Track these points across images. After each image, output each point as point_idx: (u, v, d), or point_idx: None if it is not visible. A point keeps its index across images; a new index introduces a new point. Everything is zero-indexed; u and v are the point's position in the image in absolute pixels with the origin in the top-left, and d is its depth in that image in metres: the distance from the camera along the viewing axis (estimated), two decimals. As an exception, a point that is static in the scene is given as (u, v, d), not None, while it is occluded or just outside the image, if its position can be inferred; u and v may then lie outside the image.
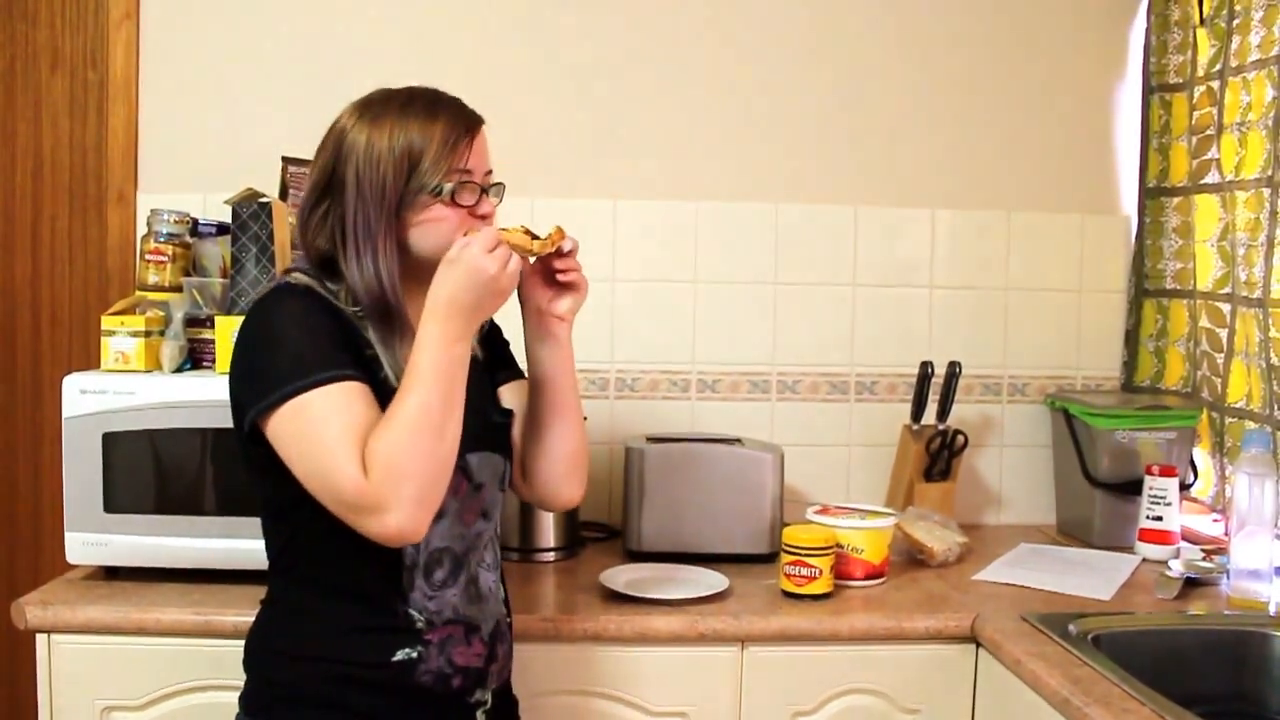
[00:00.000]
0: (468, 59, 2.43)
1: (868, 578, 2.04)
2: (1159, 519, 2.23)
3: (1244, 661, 1.82)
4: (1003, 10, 2.56)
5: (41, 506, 2.54)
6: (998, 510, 2.61)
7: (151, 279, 2.02)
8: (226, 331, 1.90)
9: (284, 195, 2.18)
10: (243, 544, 1.85)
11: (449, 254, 1.34)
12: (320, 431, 1.30)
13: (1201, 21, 2.39)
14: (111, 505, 1.88)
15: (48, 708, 1.79)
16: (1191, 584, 2.04)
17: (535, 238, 1.42)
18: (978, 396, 2.58)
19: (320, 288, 1.42)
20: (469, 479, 1.45)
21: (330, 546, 1.37)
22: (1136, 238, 2.60)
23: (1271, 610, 1.90)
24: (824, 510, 2.12)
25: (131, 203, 2.43)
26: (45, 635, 1.79)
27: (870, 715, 1.89)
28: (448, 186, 1.40)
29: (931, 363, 2.44)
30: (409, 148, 1.38)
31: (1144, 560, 2.21)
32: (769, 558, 2.13)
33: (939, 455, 2.43)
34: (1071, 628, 1.76)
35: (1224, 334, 2.31)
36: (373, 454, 1.29)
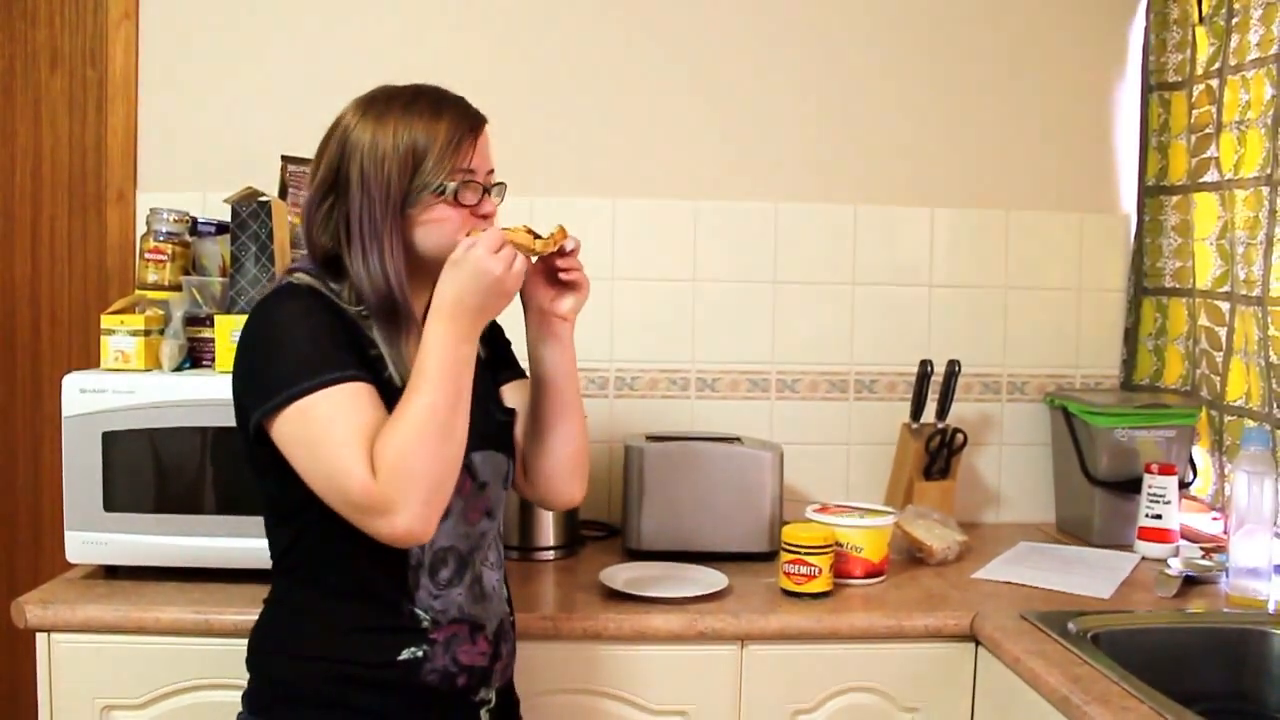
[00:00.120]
0: (467, 59, 2.43)
1: (867, 576, 2.04)
2: (1158, 517, 2.23)
3: (1243, 659, 1.82)
4: (1002, 10, 2.56)
5: (41, 505, 2.54)
6: (997, 509, 2.61)
7: (151, 278, 2.02)
8: (226, 330, 1.90)
9: (283, 194, 2.18)
10: (243, 543, 1.85)
11: (454, 255, 1.34)
12: (327, 433, 1.30)
13: (1200, 20, 2.39)
14: (111, 504, 1.88)
15: (48, 707, 1.79)
16: (1191, 582, 2.04)
17: (538, 237, 1.42)
18: (977, 395, 2.58)
19: (323, 288, 1.42)
20: (473, 477, 1.45)
21: (336, 547, 1.37)
22: (1136, 236, 2.60)
23: (1270, 608, 1.90)
24: (823, 509, 2.12)
25: (131, 201, 2.44)
26: (45, 634, 1.79)
27: (870, 713, 1.89)
28: (451, 186, 1.40)
29: (931, 361, 2.44)
30: (413, 146, 1.38)
31: (1143, 558, 2.21)
32: (768, 556, 2.13)
33: (938, 454, 2.43)
34: (1071, 626, 1.76)
35: (1223, 332, 2.31)
36: (380, 455, 1.29)
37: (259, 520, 1.50)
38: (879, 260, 2.55)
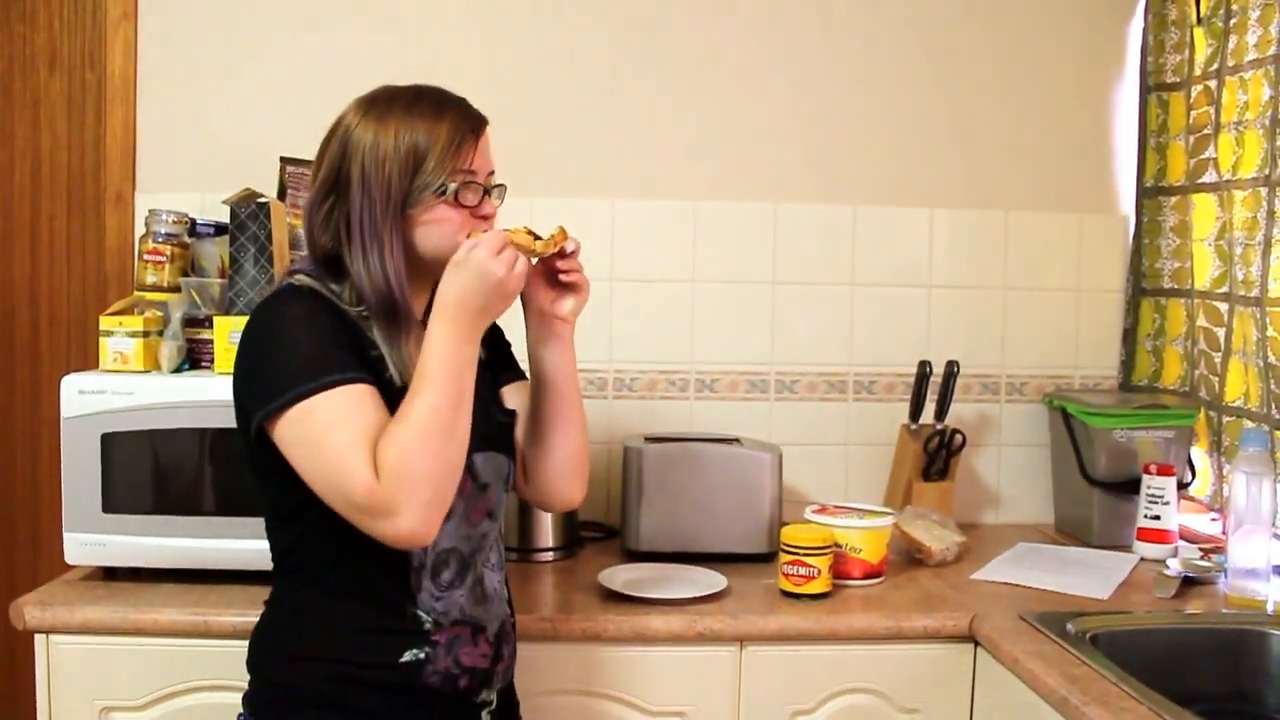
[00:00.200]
0: (466, 60, 2.43)
1: (866, 577, 2.04)
2: (1157, 518, 2.24)
3: (1242, 660, 1.82)
4: (1000, 10, 2.56)
5: (40, 507, 2.54)
6: (996, 509, 2.61)
7: (150, 279, 2.02)
8: (225, 332, 1.90)
9: (282, 195, 2.19)
10: (241, 544, 1.85)
11: (456, 256, 1.34)
12: (329, 435, 1.30)
13: (1198, 21, 2.39)
14: (110, 506, 1.88)
15: (46, 708, 1.79)
16: (1189, 583, 2.04)
17: (538, 238, 1.42)
18: (976, 396, 2.58)
19: (323, 289, 1.42)
20: (474, 479, 1.45)
21: (337, 548, 1.37)
22: (1134, 237, 2.60)
23: (1269, 609, 1.90)
24: (822, 510, 2.12)
25: (130, 203, 2.43)
26: (44, 636, 1.79)
27: (869, 714, 1.89)
28: (452, 186, 1.40)
29: (930, 362, 2.44)
30: (414, 147, 1.38)
31: (1142, 559, 2.21)
32: (767, 557, 2.13)
33: (937, 454, 2.43)
34: (1069, 627, 1.76)
35: (1221, 333, 2.31)
36: (383, 457, 1.28)
37: (258, 521, 1.50)
38: (878, 261, 2.56)
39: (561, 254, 1.46)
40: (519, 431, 1.58)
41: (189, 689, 1.80)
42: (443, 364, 1.32)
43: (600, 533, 2.39)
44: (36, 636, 1.79)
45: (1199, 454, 2.42)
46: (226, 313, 1.95)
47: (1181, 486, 2.32)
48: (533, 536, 2.20)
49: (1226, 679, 1.81)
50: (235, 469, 1.78)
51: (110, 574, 1.94)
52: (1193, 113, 2.40)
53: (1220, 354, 2.32)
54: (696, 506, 2.16)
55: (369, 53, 2.41)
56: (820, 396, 2.56)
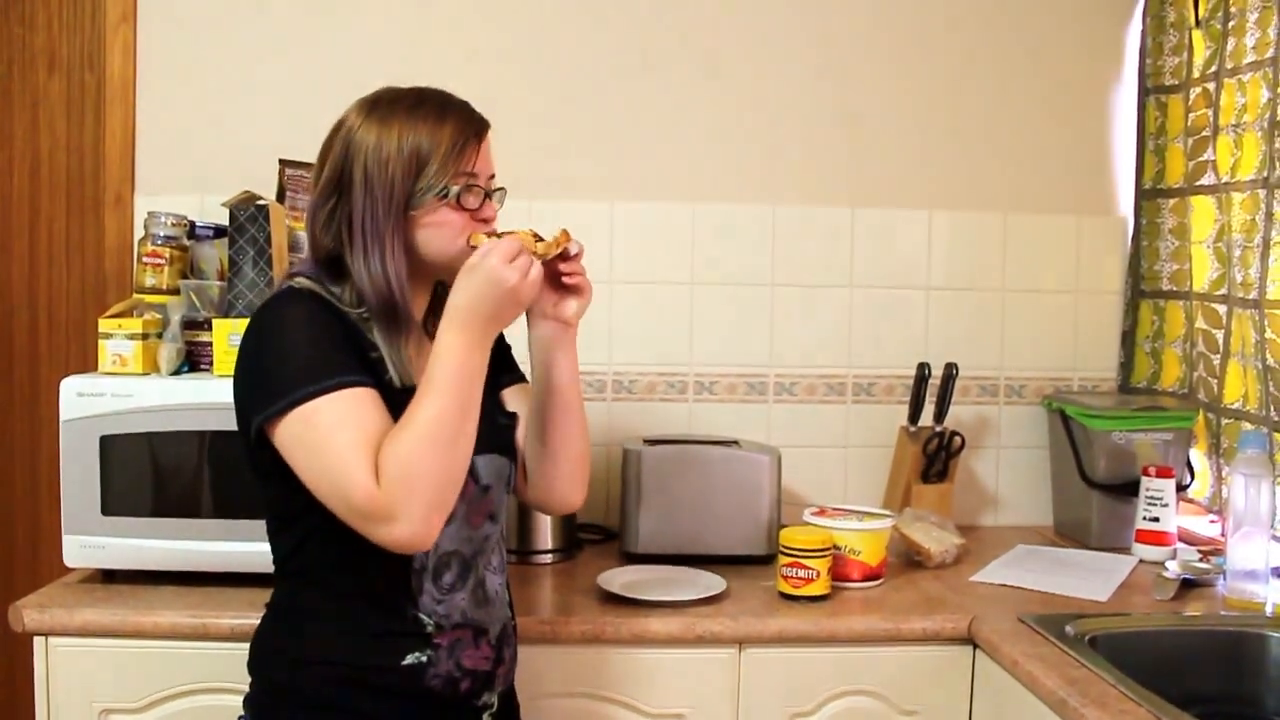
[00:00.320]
0: (466, 62, 2.43)
1: (865, 579, 2.04)
2: (1156, 520, 2.24)
3: (1240, 662, 1.82)
4: (999, 12, 2.56)
5: (39, 509, 2.54)
6: (995, 511, 2.61)
7: (149, 281, 2.02)
8: (224, 334, 1.90)
9: (281, 198, 2.18)
10: (240, 547, 1.85)
11: (469, 262, 1.34)
12: (330, 439, 1.30)
13: (1197, 23, 2.39)
14: (109, 508, 1.88)
15: (45, 711, 1.79)
16: (1188, 585, 2.04)
17: (541, 240, 1.41)
18: (975, 398, 2.58)
19: (323, 291, 1.42)
20: (476, 481, 1.45)
21: (339, 552, 1.36)
22: (1133, 239, 2.60)
23: (1268, 611, 1.90)
24: (821, 512, 2.12)
25: (129, 205, 2.43)
26: (43, 638, 1.79)
27: (868, 717, 1.89)
28: (454, 189, 1.40)
29: (929, 364, 2.44)
30: (417, 149, 1.38)
31: (1141, 561, 2.21)
32: (766, 559, 2.13)
33: (936, 457, 2.43)
34: (1068, 629, 1.76)
35: (1220, 335, 2.31)
36: (385, 462, 1.28)
37: (257, 524, 1.50)
38: (877, 263, 2.56)
39: (564, 256, 1.46)
40: (520, 434, 1.58)
41: (188, 691, 1.80)
42: (451, 371, 1.32)
43: (599, 535, 2.39)
44: (36, 639, 1.79)
45: (1198, 456, 2.42)
46: (225, 315, 1.95)
47: (1180, 488, 2.32)
48: (532, 539, 2.20)
49: (1225, 681, 1.81)
50: (234, 472, 1.78)
51: (109, 576, 1.94)
52: (1191, 115, 2.40)
53: (1219, 356, 2.32)
54: (695, 509, 2.16)
55: (369, 55, 2.41)
56: (819, 399, 2.56)
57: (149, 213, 2.07)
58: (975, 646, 1.87)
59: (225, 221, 1.98)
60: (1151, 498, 2.24)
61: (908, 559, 2.21)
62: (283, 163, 2.20)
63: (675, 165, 2.52)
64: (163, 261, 2.02)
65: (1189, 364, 2.44)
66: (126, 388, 1.87)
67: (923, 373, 2.44)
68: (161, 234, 2.04)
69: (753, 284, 2.53)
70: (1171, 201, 2.50)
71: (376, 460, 1.29)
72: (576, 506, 1.64)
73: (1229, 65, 2.27)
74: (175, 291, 2.02)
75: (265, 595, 1.51)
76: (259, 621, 1.50)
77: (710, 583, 1.98)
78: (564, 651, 1.84)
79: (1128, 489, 2.31)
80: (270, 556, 1.48)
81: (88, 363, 2.37)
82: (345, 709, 1.40)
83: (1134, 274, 2.60)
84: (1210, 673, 1.81)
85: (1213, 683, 1.80)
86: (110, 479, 1.87)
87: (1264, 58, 2.15)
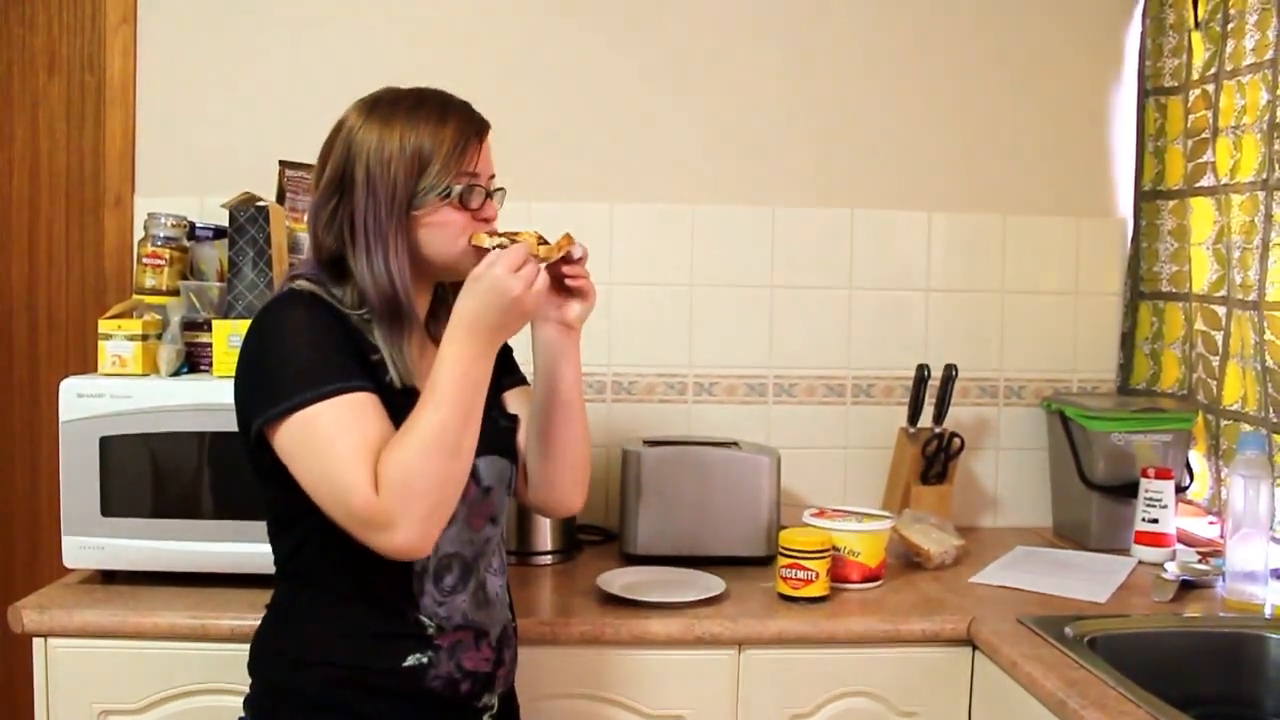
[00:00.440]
0: (466, 64, 2.43)
1: (864, 580, 2.04)
2: (1155, 521, 2.24)
3: (1239, 664, 1.82)
4: (998, 14, 2.56)
5: (39, 510, 2.54)
6: (994, 513, 2.61)
7: (149, 282, 2.02)
8: (223, 335, 1.90)
9: (281, 199, 2.19)
10: (240, 548, 1.85)
11: (475, 271, 1.34)
12: (330, 445, 1.29)
13: (1196, 25, 2.39)
14: (108, 509, 1.88)
15: (45, 712, 1.79)
16: (1187, 586, 2.04)
17: (545, 243, 1.41)
18: (974, 399, 2.59)
19: (324, 293, 1.42)
20: (477, 483, 1.45)
21: (339, 554, 1.36)
22: (1132, 241, 2.60)
23: (1267, 612, 1.90)
24: (820, 513, 2.12)
25: (129, 206, 2.44)
26: (42, 639, 1.79)
27: (867, 718, 1.89)
28: (456, 189, 1.40)
29: (928, 365, 2.44)
30: (419, 150, 1.38)
31: (1140, 563, 2.21)
32: (766, 561, 2.13)
33: (935, 458, 2.43)
34: (1068, 630, 1.76)
35: (1219, 337, 2.31)
36: (385, 469, 1.28)
37: (256, 525, 1.50)
38: (876, 264, 2.56)
39: (568, 259, 1.46)
40: (522, 437, 1.58)
41: (187, 692, 1.80)
42: (454, 379, 1.31)
43: (599, 536, 2.39)
44: (35, 640, 1.79)
45: (1197, 457, 2.42)
46: (225, 316, 1.95)
47: (1179, 490, 2.32)
48: (531, 540, 2.20)
49: (1224, 682, 1.81)
50: (234, 473, 1.78)
51: (109, 577, 1.94)
52: (1191, 116, 2.40)
53: (1218, 357, 2.32)
54: (695, 510, 2.16)
55: (368, 57, 2.41)
56: (819, 400, 2.56)
57: (149, 214, 2.07)
58: (974, 648, 1.87)
59: (225, 223, 1.98)
60: (1150, 499, 2.24)
61: (907, 560, 2.21)
62: (283, 164, 2.20)
63: (675, 166, 2.52)
64: (162, 262, 2.02)
65: (1188, 365, 2.44)
66: (126, 389, 1.87)
67: (922, 374, 2.44)
68: (161, 235, 2.04)
69: (752, 285, 2.53)
70: (1171, 203, 2.50)
71: (376, 467, 1.28)
72: (576, 509, 1.64)
73: (1228, 67, 2.27)
74: (175, 292, 2.02)
75: (265, 596, 1.51)
76: (259, 622, 1.50)
77: (710, 584, 1.98)
78: (564, 652, 1.84)
79: (1127, 490, 2.31)
80: (270, 557, 1.48)
81: (87, 364, 2.37)
82: (345, 710, 1.40)
83: (1133, 275, 2.60)
84: (1209, 674, 1.81)
85: (1212, 684, 1.80)
86: (110, 480, 1.87)
87: (1263, 60, 2.15)
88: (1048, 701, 1.58)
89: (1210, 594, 2.03)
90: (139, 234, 2.11)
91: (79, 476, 1.87)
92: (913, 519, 2.28)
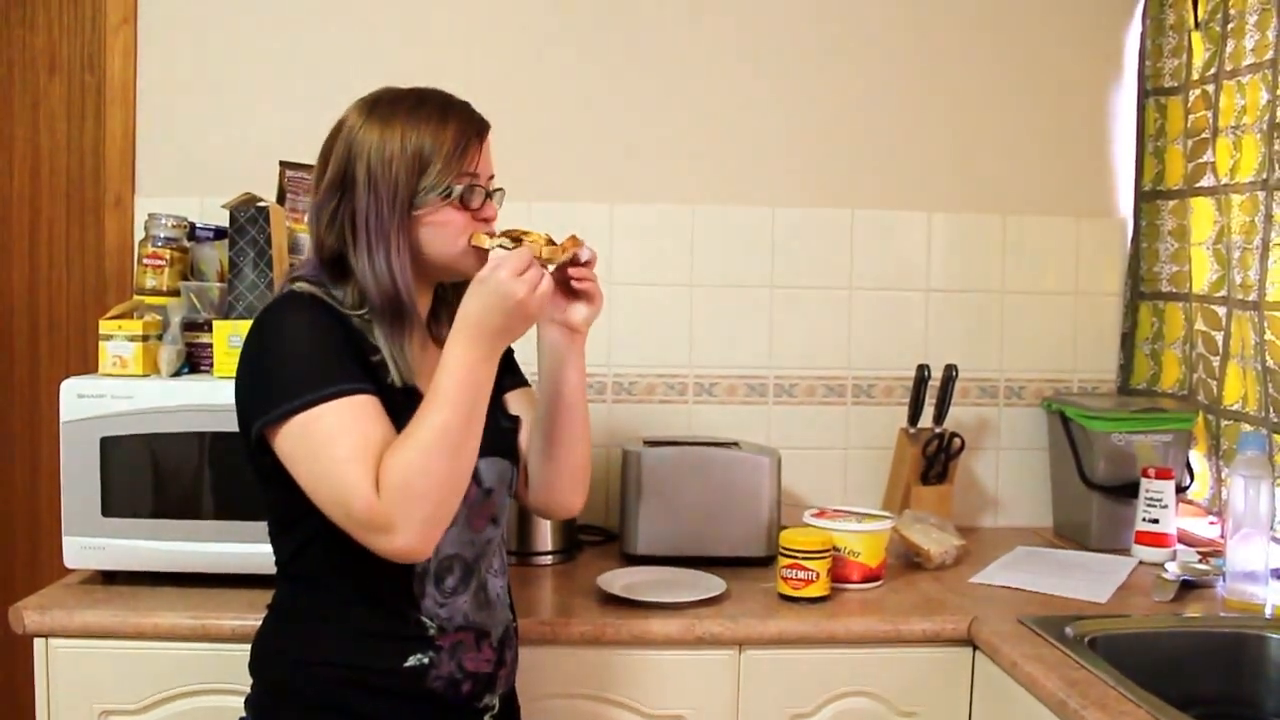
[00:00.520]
0: (465, 64, 2.43)
1: (865, 581, 2.04)
2: (1155, 521, 2.24)
3: (1240, 664, 1.82)
4: (998, 14, 2.57)
5: (39, 511, 2.54)
6: (994, 513, 2.61)
7: (149, 283, 2.02)
8: (224, 336, 1.90)
9: (281, 199, 2.19)
10: (241, 548, 1.85)
11: (480, 274, 1.34)
12: (330, 448, 1.30)
13: (1196, 25, 2.39)
14: (109, 509, 1.88)
15: (45, 712, 1.79)
16: (1188, 586, 2.04)
17: (553, 244, 1.41)
18: (974, 399, 2.59)
19: (325, 295, 1.42)
20: (479, 484, 1.45)
21: (341, 555, 1.36)
22: (1132, 241, 2.60)
23: (1267, 612, 1.90)
24: (821, 513, 2.12)
25: (129, 207, 2.44)
26: (43, 640, 1.79)
27: (867, 718, 1.89)
28: (457, 189, 1.40)
29: (928, 366, 2.44)
30: (420, 150, 1.38)
31: (1140, 563, 2.21)
32: (766, 561, 2.13)
33: (936, 458, 2.43)
34: (1068, 630, 1.76)
35: (1219, 337, 2.31)
36: (386, 473, 1.28)
37: (257, 525, 1.50)
38: (876, 265, 2.56)
39: (575, 262, 1.46)
40: (523, 438, 1.58)
41: (188, 692, 1.80)
42: (457, 383, 1.31)
43: (599, 536, 2.39)
44: (36, 640, 1.79)
45: (1197, 457, 2.42)
46: (226, 317, 1.95)
47: (1180, 490, 2.32)
48: (532, 540, 2.20)
49: (1225, 682, 1.81)
50: (235, 473, 1.78)
51: (109, 578, 1.94)
52: (1190, 117, 2.40)
53: (1218, 357, 2.32)
54: (695, 510, 2.16)
55: (369, 57, 2.41)
56: (819, 400, 2.56)
57: (149, 214, 2.07)
58: (975, 648, 1.87)
59: (225, 223, 1.99)
60: (1151, 499, 2.24)
61: (907, 560, 2.21)
62: (283, 164, 2.20)
63: (675, 167, 2.52)
64: (163, 263, 2.02)
65: (1188, 366, 2.44)
66: (127, 389, 1.87)
67: (922, 374, 2.44)
68: (162, 235, 2.04)
69: (752, 286, 2.53)
70: (1171, 203, 2.50)
71: (377, 470, 1.28)
72: (575, 512, 1.64)
73: (1228, 67, 2.27)
74: (175, 293, 2.02)
75: (266, 596, 1.51)
76: (260, 623, 1.50)
77: (710, 584, 1.98)
78: (564, 653, 1.84)
79: (1127, 490, 2.31)
80: (271, 558, 1.48)
81: (88, 364, 2.37)
82: (346, 710, 1.40)
83: (1133, 276, 2.60)
84: (1210, 674, 1.81)
85: (1212, 684, 1.80)
86: (110, 480, 1.87)
87: (1263, 60, 2.15)
88: (1048, 702, 1.58)
89: (1211, 594, 2.03)
90: (139, 234, 2.11)
91: (80, 477, 1.87)
92: (913, 519, 2.28)
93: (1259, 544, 1.92)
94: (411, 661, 1.41)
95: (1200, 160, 2.37)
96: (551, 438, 1.54)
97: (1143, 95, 2.58)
